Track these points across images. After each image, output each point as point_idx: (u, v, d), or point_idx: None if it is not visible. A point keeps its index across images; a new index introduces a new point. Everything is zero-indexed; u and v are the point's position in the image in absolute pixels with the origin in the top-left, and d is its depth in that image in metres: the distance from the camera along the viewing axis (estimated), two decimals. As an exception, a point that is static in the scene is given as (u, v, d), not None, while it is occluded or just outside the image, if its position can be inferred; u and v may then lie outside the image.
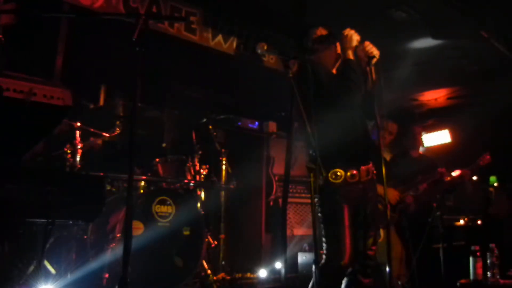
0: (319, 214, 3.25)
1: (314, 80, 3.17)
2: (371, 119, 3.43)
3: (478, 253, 4.33)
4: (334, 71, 3.47)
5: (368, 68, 3.27)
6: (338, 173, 3.20)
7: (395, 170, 5.13)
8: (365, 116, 3.43)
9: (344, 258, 3.15)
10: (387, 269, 3.03)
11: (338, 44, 3.46)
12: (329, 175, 3.20)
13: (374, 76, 3.25)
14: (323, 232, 3.24)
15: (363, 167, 3.27)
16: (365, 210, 3.28)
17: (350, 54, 3.34)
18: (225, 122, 6.11)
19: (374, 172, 3.37)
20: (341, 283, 3.23)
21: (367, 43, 3.31)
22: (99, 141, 4.89)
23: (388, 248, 3.08)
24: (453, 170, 5.38)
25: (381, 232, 4.42)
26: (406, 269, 5.04)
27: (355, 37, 3.35)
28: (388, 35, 3.28)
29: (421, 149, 5.87)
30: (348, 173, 3.21)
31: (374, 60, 3.26)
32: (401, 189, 5.11)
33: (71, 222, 4.13)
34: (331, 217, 3.21)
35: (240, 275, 5.44)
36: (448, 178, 5.25)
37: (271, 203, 6.21)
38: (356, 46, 3.34)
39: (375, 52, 3.28)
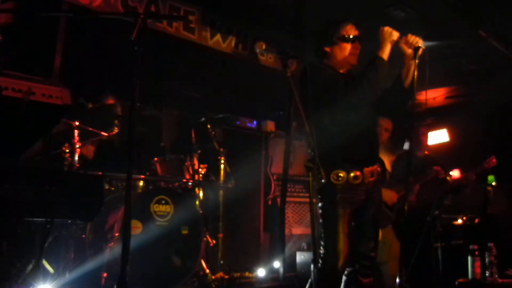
0: (320, 219, 3.23)
1: (317, 80, 3.16)
2: (393, 114, 3.38)
3: (476, 252, 4.34)
4: (342, 71, 3.39)
5: (412, 61, 3.20)
6: (340, 174, 3.16)
7: (396, 170, 5.14)
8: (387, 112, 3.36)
9: (340, 261, 3.15)
10: (398, 276, 3.03)
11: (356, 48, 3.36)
12: (331, 176, 3.17)
13: (414, 70, 3.18)
14: (322, 234, 3.22)
15: (367, 169, 3.23)
16: (368, 212, 3.27)
17: (385, 51, 3.20)
18: (223, 121, 6.11)
19: (379, 172, 3.35)
20: (336, 285, 3.23)
21: (409, 35, 3.20)
22: (91, 151, 4.89)
23: (401, 251, 3.08)
24: (451, 169, 5.38)
25: (380, 232, 4.43)
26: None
27: (395, 33, 3.22)
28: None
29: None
30: (351, 175, 3.17)
31: (421, 51, 3.16)
32: (396, 189, 5.11)
33: (69, 221, 4.13)
34: (331, 219, 3.18)
35: (238, 274, 5.44)
36: (449, 179, 5.25)
37: (270, 202, 6.21)
38: (398, 41, 3.22)
39: (420, 42, 3.17)
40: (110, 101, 4.98)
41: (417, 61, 3.18)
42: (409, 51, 3.22)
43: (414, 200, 5.18)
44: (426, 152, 5.76)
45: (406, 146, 5.74)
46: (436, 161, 5.68)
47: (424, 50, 3.18)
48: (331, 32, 3.35)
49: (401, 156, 5.53)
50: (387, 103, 3.37)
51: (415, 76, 3.19)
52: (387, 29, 3.23)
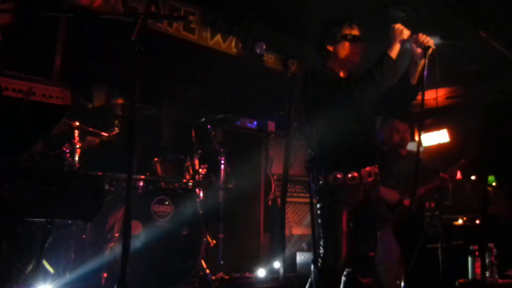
0: (319, 219, 3.22)
1: (317, 82, 3.15)
2: (393, 112, 3.33)
3: (476, 253, 4.33)
4: (344, 70, 3.38)
5: (421, 61, 3.17)
6: (338, 176, 3.16)
7: (396, 170, 5.10)
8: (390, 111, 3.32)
9: (340, 261, 3.15)
10: (403, 280, 3.02)
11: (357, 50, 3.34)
12: (329, 177, 3.17)
13: (423, 69, 3.14)
14: (321, 235, 3.22)
15: (364, 169, 3.22)
16: (366, 212, 3.26)
17: (394, 50, 3.15)
18: (223, 122, 6.10)
19: (377, 173, 3.34)
20: (336, 285, 3.23)
21: (420, 34, 3.14)
22: (97, 140, 4.88)
23: (404, 254, 3.06)
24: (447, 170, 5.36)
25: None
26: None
27: (405, 31, 3.17)
28: (386, 34, 3.26)
29: (409, 147, 5.75)
30: (349, 175, 3.17)
31: (430, 51, 3.10)
32: (400, 191, 5.08)
33: (69, 221, 4.14)
34: (329, 220, 3.18)
35: (238, 274, 5.43)
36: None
37: (270, 203, 6.21)
38: (408, 40, 3.16)
39: (431, 42, 3.12)
40: (119, 101, 4.98)
41: (426, 60, 3.13)
42: (419, 50, 3.18)
43: (409, 204, 5.13)
44: (407, 150, 5.64)
45: (410, 146, 5.68)
46: (428, 163, 5.63)
47: (434, 50, 3.13)
48: (334, 31, 3.34)
49: (397, 154, 5.47)
50: (390, 100, 3.35)
51: (424, 76, 3.15)
52: (398, 27, 3.19)
